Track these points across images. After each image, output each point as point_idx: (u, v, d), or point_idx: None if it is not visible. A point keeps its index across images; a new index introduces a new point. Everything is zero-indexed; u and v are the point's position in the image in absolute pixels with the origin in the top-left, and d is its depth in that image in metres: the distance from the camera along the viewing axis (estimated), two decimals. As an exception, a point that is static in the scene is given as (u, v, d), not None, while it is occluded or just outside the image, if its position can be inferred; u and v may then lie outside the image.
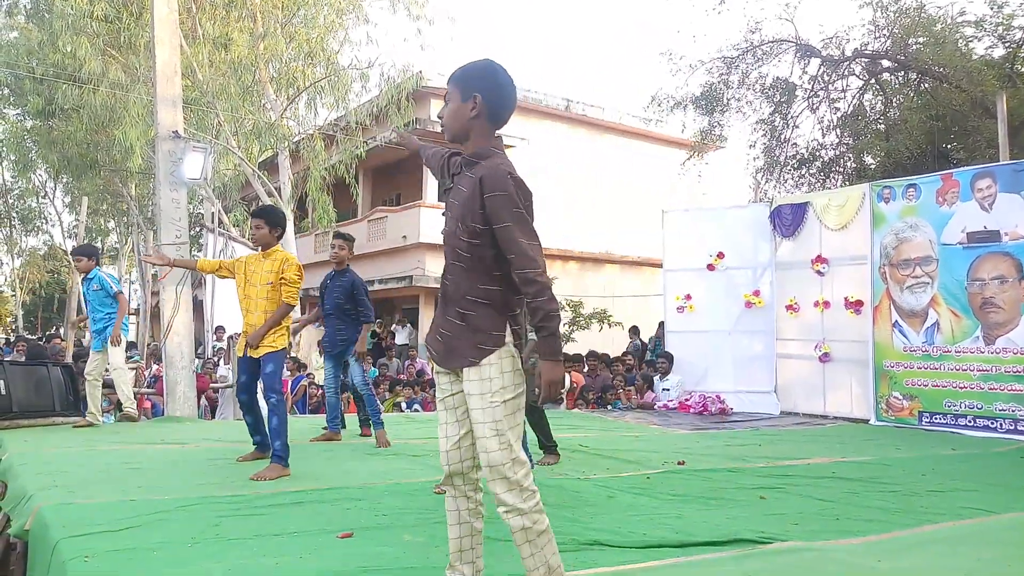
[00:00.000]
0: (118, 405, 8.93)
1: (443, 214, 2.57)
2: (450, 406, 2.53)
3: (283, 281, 5.12)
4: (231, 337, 10.60)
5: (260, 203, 16.39)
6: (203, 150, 8.96)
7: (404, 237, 20.05)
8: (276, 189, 16.77)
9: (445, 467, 2.53)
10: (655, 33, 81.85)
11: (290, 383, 11.69)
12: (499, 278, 2.42)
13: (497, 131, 2.54)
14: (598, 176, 21.44)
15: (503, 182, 2.35)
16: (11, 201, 30.64)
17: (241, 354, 5.23)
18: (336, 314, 6.47)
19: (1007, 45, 13.86)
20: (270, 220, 5.21)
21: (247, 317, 5.19)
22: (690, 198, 17.84)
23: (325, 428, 6.83)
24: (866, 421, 9.15)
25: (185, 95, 10.53)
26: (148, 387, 10.36)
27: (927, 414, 8.51)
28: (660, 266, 11.90)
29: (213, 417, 10.21)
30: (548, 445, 5.84)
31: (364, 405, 6.72)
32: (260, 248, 5.25)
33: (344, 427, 6.84)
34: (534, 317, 2.32)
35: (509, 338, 2.43)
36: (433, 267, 19.10)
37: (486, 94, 2.46)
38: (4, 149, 24.92)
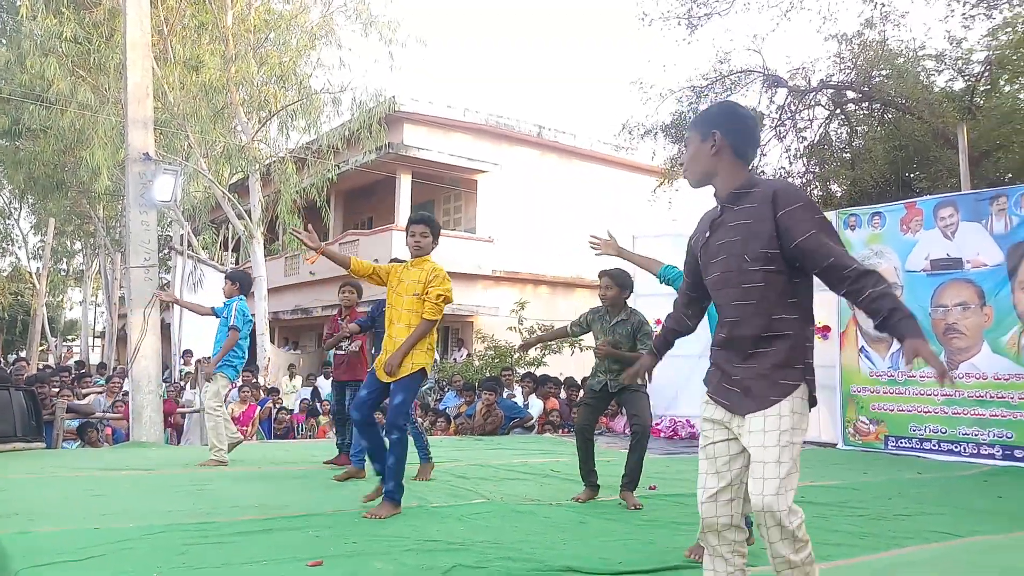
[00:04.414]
0: (80, 431, 8.79)
1: (711, 262, 2.46)
2: (711, 455, 2.40)
3: (427, 295, 4.65)
4: (199, 361, 10.46)
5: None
6: (174, 172, 8.91)
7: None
8: (246, 212, 16.67)
9: (701, 521, 2.40)
10: (627, 60, 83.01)
11: (257, 408, 11.55)
12: (795, 305, 2.32)
13: (748, 166, 2.46)
14: (569, 202, 21.58)
15: (797, 194, 2.31)
16: (-25, 222, 30.15)
17: (378, 368, 4.70)
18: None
19: (966, 78, 14.23)
20: (435, 228, 4.92)
21: (390, 328, 4.75)
22: (660, 224, 18.01)
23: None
24: (834, 445, 9.24)
25: (155, 117, 10.46)
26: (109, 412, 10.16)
27: (893, 438, 8.61)
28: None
29: (179, 442, 10.05)
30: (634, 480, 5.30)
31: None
32: (413, 257, 4.87)
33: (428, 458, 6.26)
34: (885, 302, 2.13)
35: (808, 375, 2.32)
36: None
37: (725, 129, 2.42)
38: (-32, 169, 24.50)
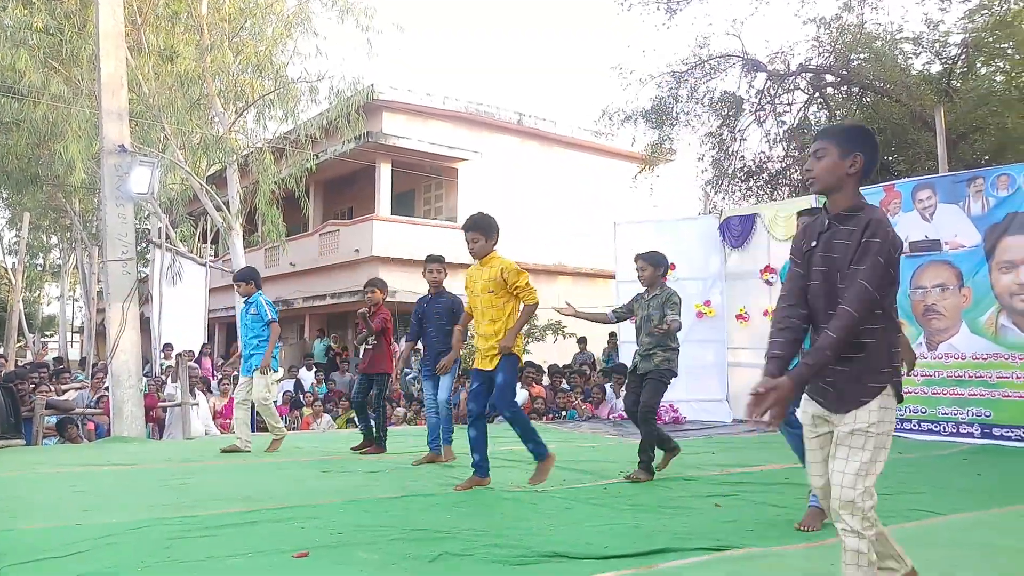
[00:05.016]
0: (59, 427, 8.71)
1: (812, 269, 2.66)
2: (815, 447, 2.67)
3: (516, 291, 5.05)
4: (179, 355, 10.37)
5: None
6: (150, 164, 8.79)
7: (357, 251, 19.88)
8: (224, 203, 16.51)
9: (823, 501, 2.68)
10: (606, 47, 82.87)
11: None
12: (881, 315, 2.52)
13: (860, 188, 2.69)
14: (550, 189, 21.56)
15: (884, 231, 2.49)
16: (-52, 217, 29.71)
17: (473, 366, 5.25)
18: (439, 336, 6.37)
19: (943, 61, 14.35)
20: (485, 231, 5.13)
21: (477, 327, 5.21)
22: (641, 210, 18.03)
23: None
24: (816, 428, 9.31)
25: (130, 108, 10.31)
26: (92, 407, 10.06)
27: (874, 420, 8.68)
28: (613, 277, 12.00)
29: (161, 437, 9.97)
30: (647, 460, 5.63)
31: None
32: (479, 258, 5.19)
33: (450, 441, 6.52)
34: (822, 341, 2.44)
35: (895, 376, 2.55)
36: (387, 280, 18.96)
37: (867, 155, 2.61)
38: (-60, 163, 24.09)
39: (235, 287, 7.29)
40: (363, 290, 7.21)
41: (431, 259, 6.57)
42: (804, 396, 2.68)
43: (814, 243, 2.68)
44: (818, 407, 2.63)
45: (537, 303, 5.09)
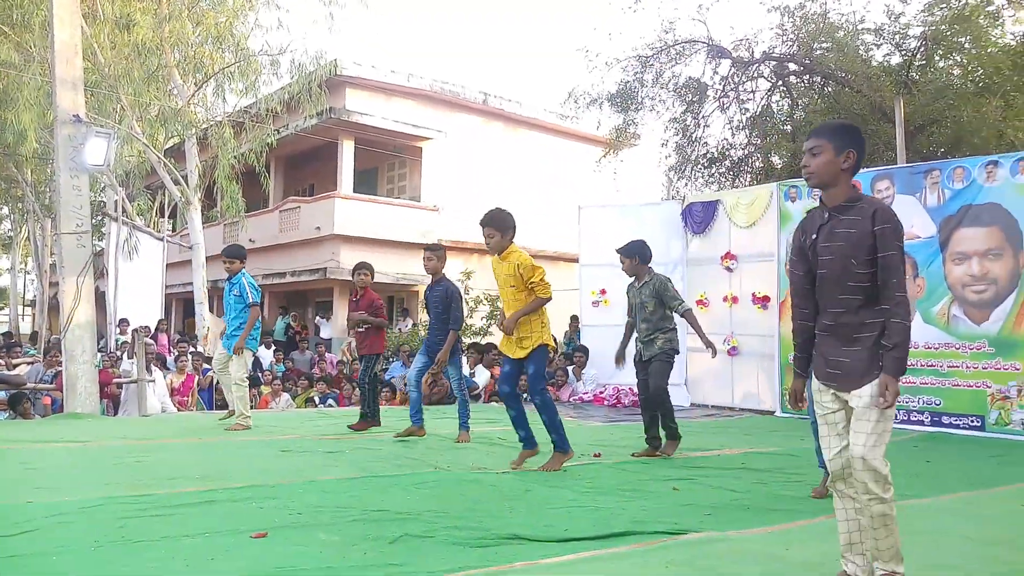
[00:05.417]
0: (12, 402, 8.52)
1: (818, 259, 2.90)
2: (831, 422, 2.89)
3: (530, 286, 5.19)
4: (135, 331, 10.19)
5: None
6: (106, 135, 8.56)
7: (318, 228, 19.65)
8: (183, 177, 16.19)
9: (831, 472, 2.90)
10: (573, 29, 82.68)
11: (196, 378, 11.33)
12: (880, 307, 2.77)
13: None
14: (515, 170, 21.49)
15: (891, 217, 2.77)
16: None
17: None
18: (436, 322, 6.73)
19: (903, 53, 14.54)
20: (500, 226, 5.27)
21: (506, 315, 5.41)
22: (605, 194, 18.06)
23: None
24: (772, 413, 9.48)
25: (85, 78, 10.00)
26: (46, 383, 9.85)
27: (828, 405, 8.85)
28: (576, 261, 12.05)
29: (116, 413, 9.79)
30: (672, 429, 6.09)
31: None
32: (497, 253, 5.34)
33: (467, 427, 6.83)
34: (896, 336, 2.69)
35: None
36: (348, 259, 18.79)
37: (859, 151, 2.85)
38: None
39: (224, 263, 7.35)
40: (353, 272, 7.45)
41: (425, 248, 6.94)
42: (817, 388, 2.93)
43: (815, 235, 2.92)
44: (829, 391, 2.89)
45: (550, 298, 5.26)
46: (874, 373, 2.74)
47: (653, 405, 6.01)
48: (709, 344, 6.18)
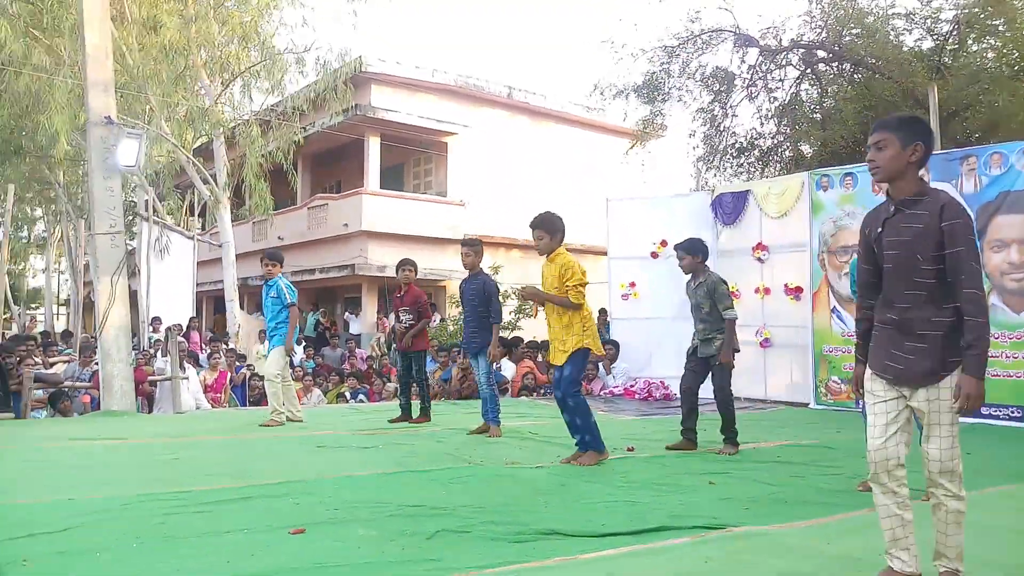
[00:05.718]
0: (52, 400, 8.65)
1: (884, 253, 2.85)
2: (880, 411, 2.84)
3: (565, 288, 5.20)
4: (168, 329, 10.29)
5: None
6: (138, 136, 8.66)
7: (346, 225, 19.74)
8: (212, 176, 16.33)
9: (872, 465, 2.83)
10: (597, 20, 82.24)
11: (229, 375, 11.44)
12: (952, 305, 2.71)
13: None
14: (541, 164, 21.41)
15: (961, 212, 2.70)
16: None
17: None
18: (472, 317, 6.80)
19: (935, 38, 14.29)
20: (549, 229, 5.34)
21: (548, 320, 5.44)
22: (632, 186, 17.95)
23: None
24: (806, 405, 9.37)
25: (114, 79, 10.11)
26: (84, 381, 9.99)
27: (863, 396, 8.74)
28: (604, 254, 11.98)
29: (151, 411, 9.91)
30: (729, 435, 6.01)
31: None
32: (545, 255, 5.40)
33: (498, 422, 6.79)
34: (971, 334, 2.63)
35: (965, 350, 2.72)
36: (376, 256, 18.87)
37: (926, 143, 2.80)
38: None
39: (265, 265, 7.44)
40: (397, 269, 7.60)
41: (462, 243, 7.01)
42: (870, 376, 2.88)
43: (880, 229, 2.87)
44: (881, 380, 2.84)
45: (580, 305, 5.22)
46: (940, 374, 2.70)
47: (720, 407, 5.98)
48: (729, 353, 5.96)
